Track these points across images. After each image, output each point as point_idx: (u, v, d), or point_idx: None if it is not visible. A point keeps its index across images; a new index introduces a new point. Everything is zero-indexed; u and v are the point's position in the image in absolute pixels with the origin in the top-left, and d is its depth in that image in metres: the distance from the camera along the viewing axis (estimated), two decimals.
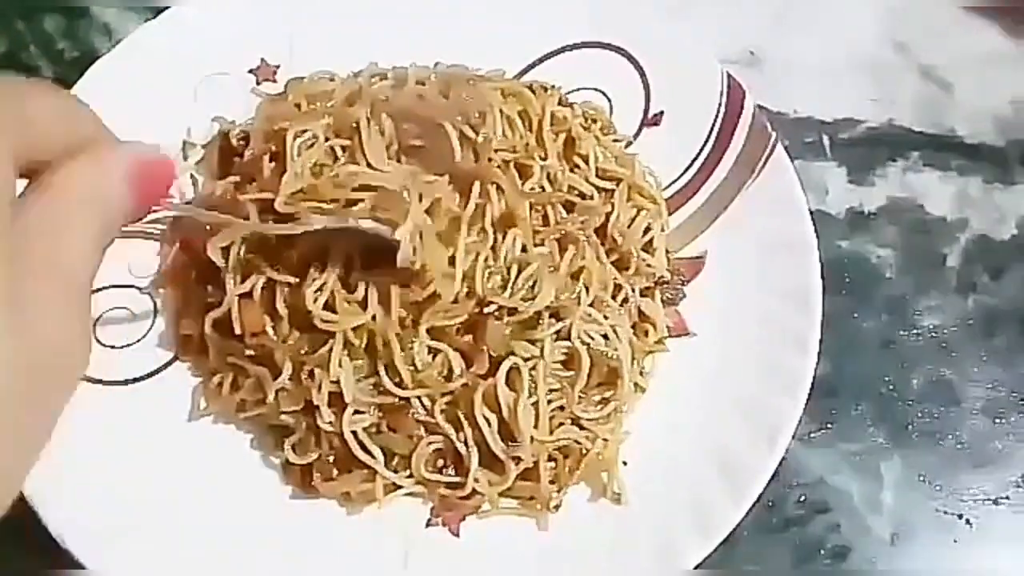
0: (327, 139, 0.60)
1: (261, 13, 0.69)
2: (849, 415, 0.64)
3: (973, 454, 0.64)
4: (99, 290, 0.60)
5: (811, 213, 0.64)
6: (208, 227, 0.60)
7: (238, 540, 0.55)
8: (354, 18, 0.69)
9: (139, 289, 0.61)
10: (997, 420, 0.65)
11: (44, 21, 0.75)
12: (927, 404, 0.65)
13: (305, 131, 0.61)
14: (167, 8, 0.68)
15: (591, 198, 0.64)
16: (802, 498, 0.61)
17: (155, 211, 0.43)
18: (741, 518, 0.55)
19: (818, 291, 0.61)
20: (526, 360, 0.57)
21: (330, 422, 0.56)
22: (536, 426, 0.57)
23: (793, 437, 0.57)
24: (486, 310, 0.57)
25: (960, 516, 0.62)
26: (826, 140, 0.75)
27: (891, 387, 0.66)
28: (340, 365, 0.56)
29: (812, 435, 0.63)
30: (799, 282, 0.62)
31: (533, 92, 0.67)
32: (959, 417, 0.65)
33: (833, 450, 0.63)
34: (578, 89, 0.70)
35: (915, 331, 0.68)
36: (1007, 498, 0.63)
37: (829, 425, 0.64)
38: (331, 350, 0.56)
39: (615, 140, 0.69)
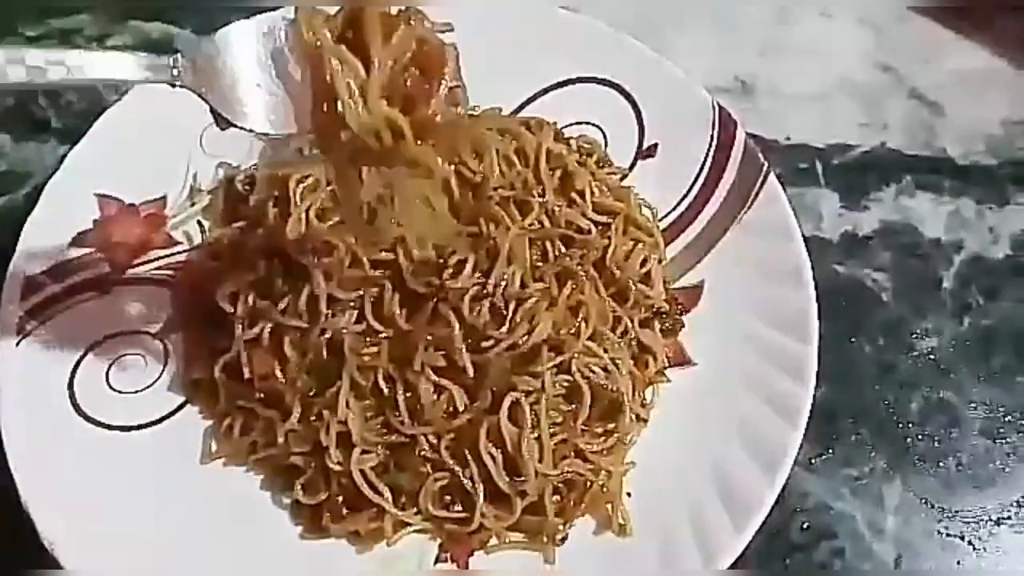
0: (329, 183, 0.62)
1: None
2: (849, 440, 0.65)
3: (974, 475, 0.64)
4: (110, 337, 0.62)
5: (806, 239, 0.65)
6: (216, 274, 0.62)
7: None
8: None
9: (150, 335, 0.63)
10: (997, 441, 0.66)
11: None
12: (927, 427, 0.66)
13: (308, 176, 0.63)
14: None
15: (588, 232, 0.65)
16: (805, 524, 0.62)
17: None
18: (745, 546, 0.56)
19: (814, 317, 0.62)
20: (528, 394, 0.58)
21: (339, 462, 0.57)
22: (540, 460, 0.58)
23: (794, 463, 0.58)
24: (484, 344, 0.58)
25: (963, 537, 0.62)
26: (819, 166, 0.77)
27: (890, 410, 0.67)
28: (348, 406, 0.57)
29: (813, 461, 0.64)
30: (795, 308, 0.63)
31: (529, 129, 0.68)
32: (959, 439, 0.66)
33: (835, 475, 0.64)
34: (573, 124, 0.72)
35: (913, 354, 0.69)
36: (1009, 519, 0.63)
37: (830, 450, 0.65)
38: (339, 391, 0.57)
39: (610, 173, 0.70)
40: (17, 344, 0.60)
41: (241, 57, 0.46)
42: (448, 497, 0.59)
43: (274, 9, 0.71)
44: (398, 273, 0.59)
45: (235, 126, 0.46)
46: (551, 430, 0.59)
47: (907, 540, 0.62)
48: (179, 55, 0.45)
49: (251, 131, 0.46)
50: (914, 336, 0.70)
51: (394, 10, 0.45)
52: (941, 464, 0.65)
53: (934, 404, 0.67)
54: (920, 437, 0.66)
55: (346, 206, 0.48)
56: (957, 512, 0.63)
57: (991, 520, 0.63)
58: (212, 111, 0.45)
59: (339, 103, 0.43)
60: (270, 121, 0.46)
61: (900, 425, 0.66)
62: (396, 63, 0.44)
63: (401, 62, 0.44)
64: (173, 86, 0.44)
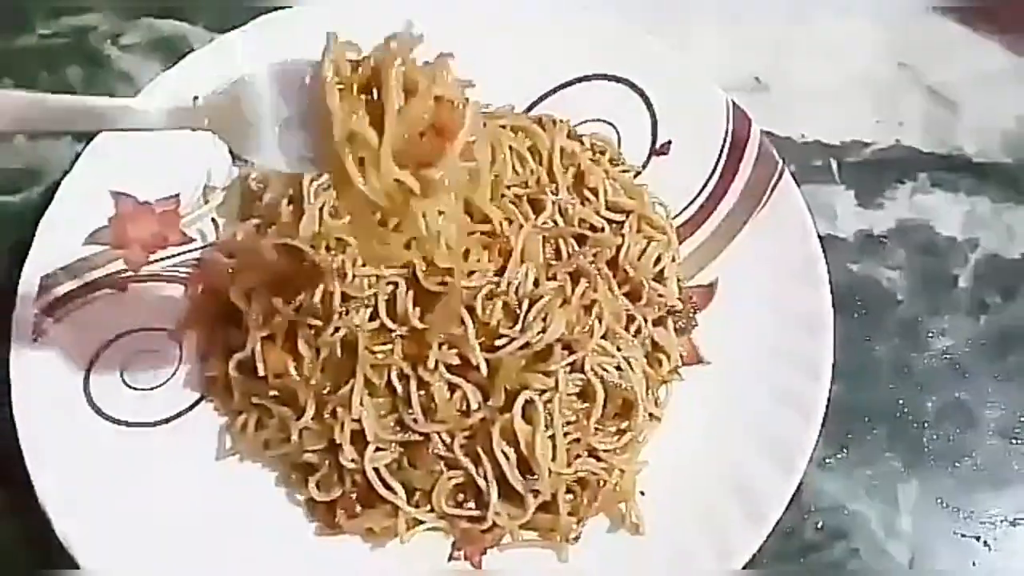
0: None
1: (276, 58, 0.71)
2: (865, 439, 0.65)
3: (990, 476, 0.64)
4: (126, 334, 0.62)
5: (821, 237, 0.65)
6: (230, 271, 0.62)
7: None
8: None
9: (165, 332, 0.63)
10: (1013, 441, 0.65)
11: (66, 71, 0.78)
12: (942, 427, 0.66)
13: (321, 175, 0.62)
14: (185, 55, 0.70)
15: (602, 230, 0.65)
16: (820, 524, 0.62)
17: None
18: (760, 545, 0.56)
19: (830, 316, 0.62)
20: (541, 393, 0.58)
21: (352, 459, 0.57)
22: (554, 459, 0.58)
23: (809, 462, 0.58)
24: (498, 343, 0.58)
25: (978, 538, 0.62)
26: (834, 164, 0.76)
27: (906, 410, 0.66)
28: (361, 403, 0.57)
29: (828, 460, 0.64)
30: (811, 307, 0.63)
31: (542, 127, 0.68)
32: (975, 439, 0.65)
33: (850, 475, 0.63)
34: (586, 121, 0.72)
35: (928, 353, 0.68)
36: None
37: (845, 450, 0.64)
38: (353, 389, 0.57)
39: (624, 171, 0.70)
40: (33, 341, 0.60)
41: (261, 102, 0.47)
42: (461, 495, 0.59)
43: (285, 7, 0.73)
44: (412, 271, 0.58)
45: (257, 161, 0.47)
46: (564, 429, 0.59)
47: (922, 540, 0.62)
48: (199, 100, 0.47)
49: (271, 167, 0.48)
50: (930, 335, 0.69)
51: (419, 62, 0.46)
52: (957, 464, 0.64)
53: (950, 404, 0.67)
54: (935, 437, 0.65)
55: (359, 222, 0.49)
56: (972, 512, 0.63)
57: (1007, 521, 0.63)
58: (231, 151, 0.47)
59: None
60: (288, 160, 0.47)
61: (915, 425, 0.66)
62: (412, 126, 0.45)
63: (417, 125, 0.45)
64: (194, 130, 0.46)
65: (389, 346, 0.58)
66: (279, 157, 0.47)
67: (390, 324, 0.58)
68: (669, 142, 0.71)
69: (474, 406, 0.58)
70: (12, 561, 0.59)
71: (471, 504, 0.59)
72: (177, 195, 0.67)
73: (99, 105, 0.45)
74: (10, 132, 0.42)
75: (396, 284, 0.59)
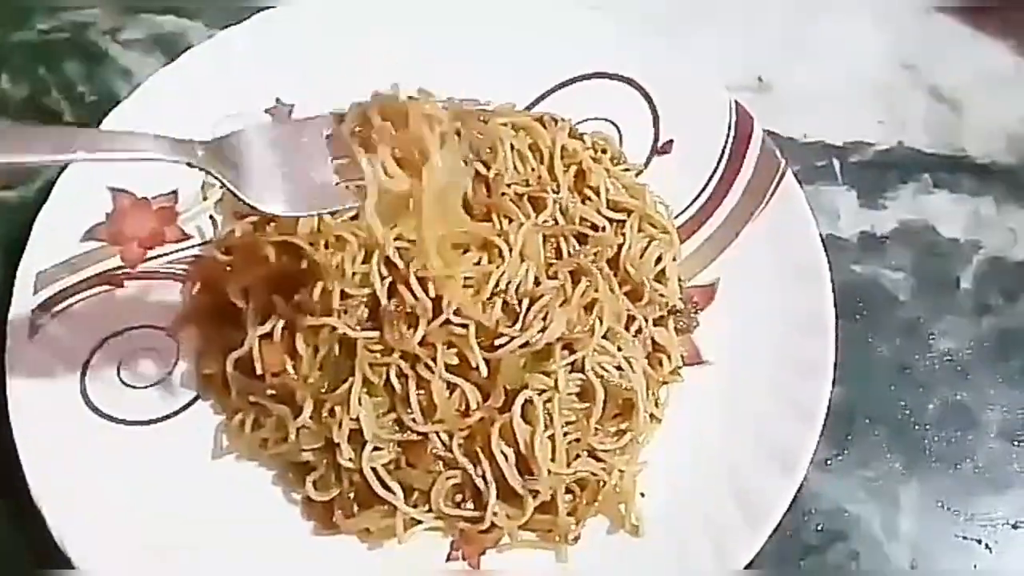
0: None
1: (274, 54, 0.71)
2: (866, 441, 0.64)
3: (991, 478, 0.64)
4: (122, 332, 0.62)
5: (823, 238, 0.65)
6: (228, 268, 0.61)
7: None
8: (365, 56, 0.70)
9: (162, 329, 0.63)
10: (1015, 443, 0.65)
11: (65, 66, 0.77)
12: (944, 428, 0.65)
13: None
14: (184, 51, 0.70)
15: (603, 229, 0.65)
16: (820, 526, 0.62)
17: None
18: (760, 547, 0.56)
19: (831, 316, 0.62)
20: (541, 393, 0.58)
21: (350, 459, 0.57)
22: (553, 459, 0.58)
23: (810, 464, 0.58)
24: (497, 342, 0.58)
25: (979, 541, 0.62)
26: (836, 164, 0.76)
27: (907, 412, 0.66)
28: (360, 403, 0.57)
29: (829, 462, 0.63)
30: (812, 308, 0.63)
31: (543, 125, 0.68)
32: (976, 441, 0.65)
33: (850, 477, 0.63)
34: (588, 119, 0.71)
35: (930, 355, 0.68)
36: None
37: (846, 451, 0.64)
38: (351, 388, 0.57)
39: (625, 170, 0.70)
40: (29, 338, 0.59)
41: (259, 151, 0.49)
42: (460, 495, 0.58)
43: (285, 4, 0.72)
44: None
45: (251, 207, 0.49)
46: (564, 429, 0.58)
47: (923, 543, 0.62)
48: (200, 146, 0.48)
49: (268, 213, 0.50)
50: (931, 337, 0.69)
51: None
52: (958, 466, 0.64)
53: (951, 405, 0.66)
54: (937, 439, 0.65)
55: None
56: (974, 515, 0.63)
57: (1008, 523, 0.62)
58: (230, 191, 0.48)
59: None
60: (287, 205, 0.49)
61: (916, 426, 0.65)
62: None
63: None
64: (191, 166, 0.48)
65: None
66: (278, 201, 0.49)
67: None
68: (671, 141, 0.71)
69: (473, 406, 0.58)
70: (8, 561, 0.59)
71: (470, 504, 0.58)
72: (175, 192, 0.67)
73: (98, 135, 0.47)
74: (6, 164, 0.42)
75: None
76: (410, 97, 0.52)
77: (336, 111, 0.51)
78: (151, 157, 0.47)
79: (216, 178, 0.48)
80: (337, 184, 0.50)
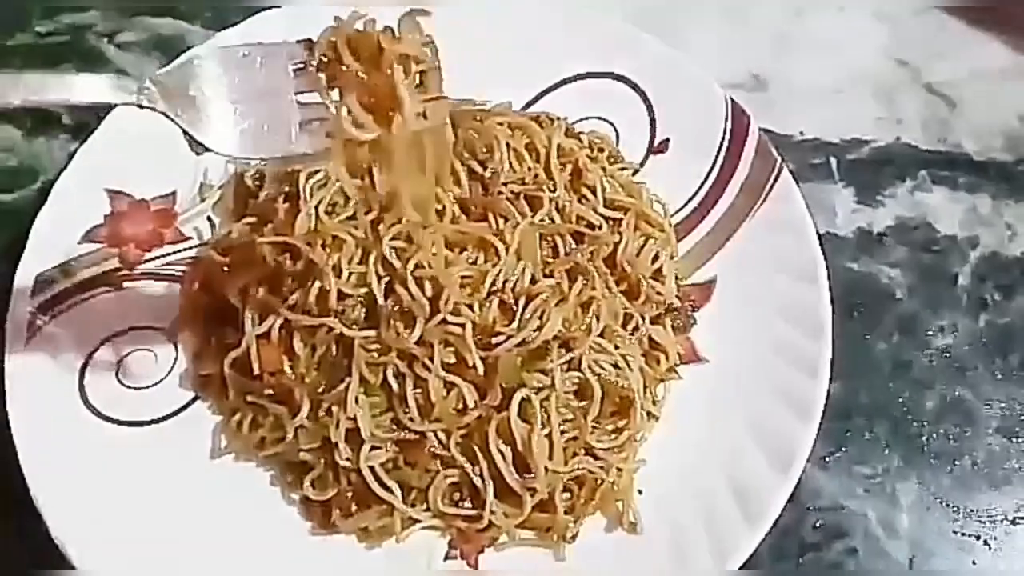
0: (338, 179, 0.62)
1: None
2: (864, 438, 0.64)
3: (989, 474, 0.64)
4: (121, 332, 0.62)
5: (820, 235, 0.65)
6: (226, 269, 0.62)
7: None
8: None
9: (160, 330, 0.63)
10: (1013, 439, 0.65)
11: (64, 68, 0.77)
12: (942, 425, 0.65)
13: (317, 171, 0.62)
14: (183, 53, 0.70)
15: (599, 228, 0.65)
16: (818, 523, 0.62)
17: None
18: (758, 544, 0.56)
19: (828, 314, 0.62)
20: (538, 391, 0.58)
21: (348, 458, 0.57)
22: (551, 457, 0.58)
23: (808, 461, 0.58)
24: (494, 341, 0.58)
25: (978, 537, 0.62)
26: (833, 161, 0.76)
27: (905, 408, 0.66)
28: (357, 402, 0.57)
29: (827, 459, 0.63)
30: (809, 305, 0.63)
31: (540, 124, 0.68)
32: (974, 437, 0.65)
33: (848, 474, 0.63)
34: (584, 119, 0.72)
35: (928, 351, 0.68)
36: None
37: (843, 448, 0.64)
38: (348, 387, 0.57)
39: (622, 168, 0.70)
40: (28, 340, 0.60)
41: (214, 82, 0.46)
42: (458, 494, 0.58)
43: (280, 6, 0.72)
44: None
45: (207, 149, 0.46)
46: (561, 427, 0.58)
47: (921, 539, 0.61)
48: (148, 80, 0.45)
49: (222, 154, 0.47)
50: (929, 333, 0.69)
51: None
52: (956, 463, 0.64)
53: (949, 402, 0.66)
54: (935, 435, 0.65)
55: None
56: (972, 511, 0.62)
57: (1007, 519, 0.62)
58: (184, 133, 0.46)
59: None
60: (243, 145, 0.47)
61: (915, 423, 0.65)
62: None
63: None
64: (141, 107, 0.45)
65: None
66: (233, 140, 0.46)
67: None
68: (667, 140, 0.71)
69: (470, 404, 0.58)
70: (7, 561, 0.59)
71: (467, 503, 0.58)
72: (173, 193, 0.67)
73: (44, 78, 0.44)
74: None
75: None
76: (386, 27, 0.47)
77: (303, 38, 0.46)
78: (97, 100, 0.45)
79: (168, 117, 0.45)
80: (301, 124, 0.45)
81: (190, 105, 0.45)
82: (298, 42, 0.46)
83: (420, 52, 0.46)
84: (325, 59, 0.45)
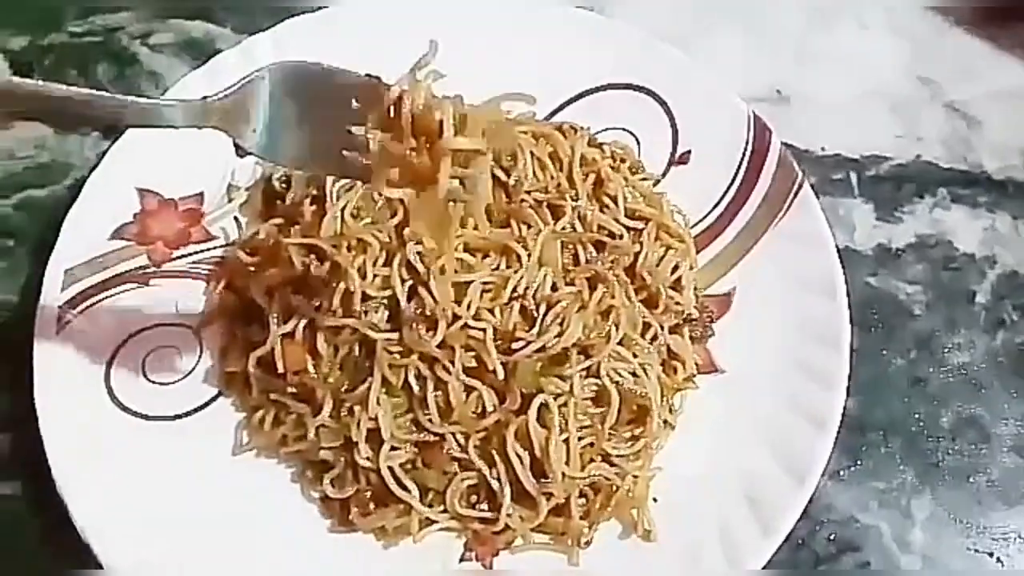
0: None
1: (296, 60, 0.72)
2: (879, 452, 0.65)
3: (1004, 492, 0.64)
4: (147, 329, 0.63)
5: (839, 250, 0.65)
6: (252, 269, 0.63)
7: (277, 572, 0.57)
8: (383, 64, 0.71)
9: (186, 328, 0.64)
10: None
11: (96, 69, 0.79)
12: (957, 442, 0.65)
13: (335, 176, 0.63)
14: (213, 56, 0.72)
15: (620, 237, 0.65)
16: (832, 536, 0.62)
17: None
18: (771, 555, 0.56)
19: (846, 328, 0.62)
20: (556, 397, 0.59)
21: (367, 457, 0.58)
22: (567, 462, 0.58)
23: (823, 474, 0.58)
24: (515, 346, 0.58)
25: (991, 554, 0.62)
26: (853, 177, 0.76)
27: (921, 424, 0.66)
28: (378, 402, 0.58)
29: (842, 472, 0.64)
30: (827, 319, 0.63)
31: (563, 134, 0.69)
32: (989, 455, 0.65)
33: (863, 487, 0.63)
34: (607, 129, 0.72)
35: (944, 368, 0.68)
36: None
37: (859, 462, 0.64)
38: (370, 388, 0.58)
39: (643, 179, 0.71)
40: (56, 333, 0.61)
41: (268, 101, 0.48)
42: (475, 496, 0.59)
43: (312, 11, 0.73)
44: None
45: (257, 156, 0.49)
46: (579, 433, 0.59)
47: (934, 555, 0.62)
48: (208, 100, 0.47)
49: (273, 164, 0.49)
50: (946, 350, 0.69)
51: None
52: (971, 479, 0.64)
53: (965, 419, 0.66)
54: (950, 452, 0.65)
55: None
56: (986, 528, 0.63)
57: (1020, 537, 0.63)
58: (235, 145, 0.48)
59: None
60: (291, 159, 0.49)
61: (930, 439, 0.66)
62: None
63: None
64: (201, 128, 0.47)
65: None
66: (281, 154, 0.48)
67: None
68: (689, 151, 0.72)
69: (489, 408, 0.58)
70: (35, 558, 0.60)
71: (484, 506, 0.59)
72: (201, 193, 0.68)
73: (117, 102, 0.45)
74: (22, 117, 0.42)
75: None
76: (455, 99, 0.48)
77: (373, 75, 0.48)
78: (166, 124, 0.46)
79: (230, 137, 0.47)
80: (349, 153, 0.47)
81: (245, 122, 0.48)
82: (368, 76, 0.48)
83: (477, 147, 0.48)
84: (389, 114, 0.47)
